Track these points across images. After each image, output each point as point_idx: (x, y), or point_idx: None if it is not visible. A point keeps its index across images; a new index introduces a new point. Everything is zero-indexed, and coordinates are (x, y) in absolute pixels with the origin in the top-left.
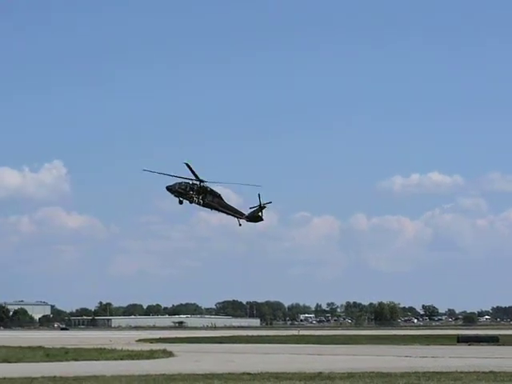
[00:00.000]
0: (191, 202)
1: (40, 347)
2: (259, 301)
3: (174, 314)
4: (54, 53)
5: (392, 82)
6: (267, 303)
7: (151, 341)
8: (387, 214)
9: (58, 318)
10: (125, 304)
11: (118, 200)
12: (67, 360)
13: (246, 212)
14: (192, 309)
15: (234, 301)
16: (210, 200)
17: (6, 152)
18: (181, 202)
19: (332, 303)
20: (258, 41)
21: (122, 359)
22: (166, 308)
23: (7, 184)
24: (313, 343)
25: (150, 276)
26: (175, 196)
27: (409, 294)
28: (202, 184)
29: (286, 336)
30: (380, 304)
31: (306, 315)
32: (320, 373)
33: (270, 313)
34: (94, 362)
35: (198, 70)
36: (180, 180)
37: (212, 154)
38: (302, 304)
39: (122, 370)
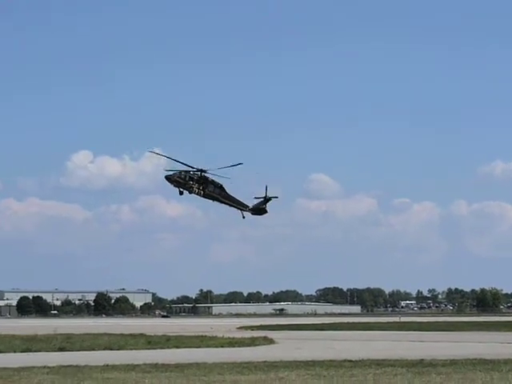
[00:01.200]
0: (190, 193)
1: (142, 335)
2: (360, 287)
3: (275, 302)
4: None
5: None
6: (368, 290)
7: (252, 328)
8: (488, 199)
9: (159, 306)
10: (225, 291)
11: None
12: (169, 347)
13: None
14: (292, 296)
15: (334, 288)
16: (211, 191)
17: (107, 141)
18: (181, 193)
19: (433, 289)
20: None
21: (222, 347)
22: (266, 295)
23: (108, 173)
24: (414, 330)
25: (249, 263)
26: (174, 186)
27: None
28: (202, 174)
29: (387, 323)
30: (482, 290)
31: (407, 302)
32: (422, 360)
33: (370, 299)
34: (196, 349)
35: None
36: (180, 169)
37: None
38: (402, 290)
39: (223, 357)
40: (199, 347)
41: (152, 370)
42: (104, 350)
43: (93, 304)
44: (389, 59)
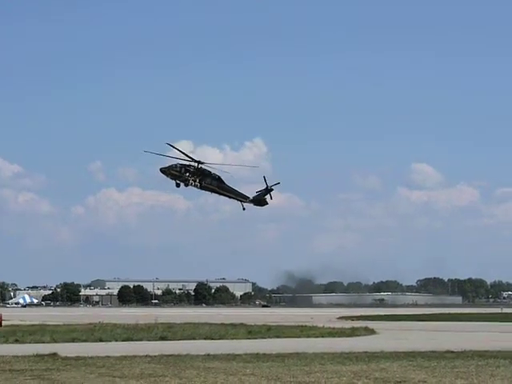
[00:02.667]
0: (187, 185)
1: (242, 324)
2: (461, 278)
3: (375, 292)
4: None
5: None
6: (469, 280)
7: (352, 318)
8: None
9: (259, 296)
10: (325, 281)
11: (318, 177)
12: (269, 337)
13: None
14: (393, 286)
15: (435, 278)
16: (208, 183)
17: (208, 131)
18: (178, 185)
19: None
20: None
21: (323, 336)
22: (366, 285)
23: (209, 163)
24: None
25: (350, 253)
26: (171, 178)
27: None
28: (199, 166)
29: (489, 314)
30: None
31: (510, 292)
32: None
33: (471, 290)
34: (296, 339)
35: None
36: (176, 161)
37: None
38: (505, 281)
39: (323, 347)
40: (299, 337)
41: (253, 360)
42: (205, 339)
43: (193, 293)
44: None
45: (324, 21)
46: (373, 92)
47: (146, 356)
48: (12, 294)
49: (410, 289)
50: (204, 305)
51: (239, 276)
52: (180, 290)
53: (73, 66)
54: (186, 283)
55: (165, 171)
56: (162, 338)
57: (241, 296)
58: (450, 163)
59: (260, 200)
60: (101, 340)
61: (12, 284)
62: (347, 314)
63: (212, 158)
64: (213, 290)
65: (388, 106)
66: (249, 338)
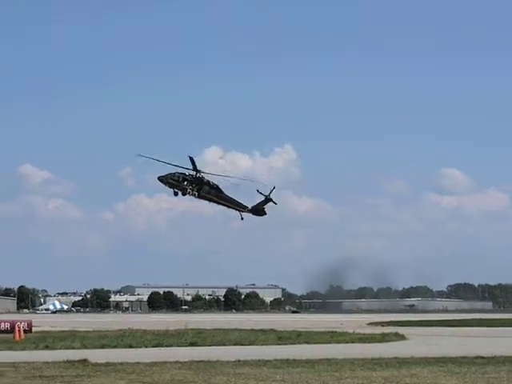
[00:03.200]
0: (184, 194)
1: (272, 330)
2: (491, 283)
3: (405, 297)
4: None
5: None
6: (499, 286)
7: (382, 324)
8: None
9: (288, 301)
10: (355, 287)
11: (347, 183)
12: (299, 343)
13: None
14: (423, 292)
15: (465, 284)
16: (206, 192)
17: (237, 137)
18: (176, 194)
19: None
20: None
21: (353, 342)
22: (396, 291)
23: (238, 169)
24: None
25: (380, 258)
26: (169, 187)
27: None
28: (197, 175)
29: None
30: None
31: None
32: None
33: (502, 295)
34: (326, 345)
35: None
36: (174, 170)
37: None
38: None
39: (353, 353)
40: (329, 343)
41: (283, 366)
42: (235, 345)
43: (223, 299)
44: None
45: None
46: (404, 95)
47: (176, 362)
48: (42, 300)
49: (440, 294)
50: (234, 311)
51: (269, 282)
52: (210, 295)
53: (103, 72)
54: (215, 289)
55: (162, 180)
56: (192, 344)
57: (271, 302)
58: (479, 168)
59: (258, 210)
60: (131, 346)
61: (42, 290)
62: (377, 320)
63: (241, 164)
64: (243, 296)
65: (417, 109)
66: (279, 344)
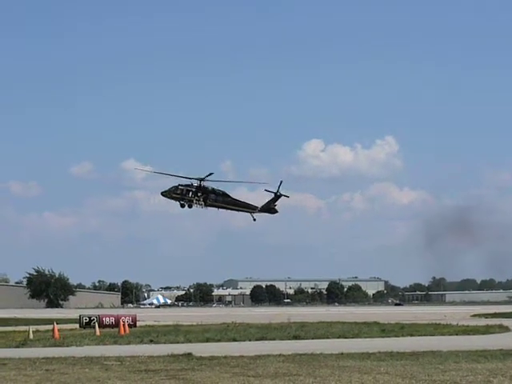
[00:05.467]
0: (191, 206)
1: (375, 323)
2: None
3: (509, 289)
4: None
5: None
6: None
7: (486, 316)
8: None
9: (391, 294)
10: (458, 279)
11: (450, 174)
12: (403, 335)
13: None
14: None
15: None
16: (213, 200)
17: (339, 129)
18: (182, 206)
19: None
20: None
21: (457, 334)
22: (500, 282)
23: (340, 161)
24: None
25: (481, 250)
26: (175, 200)
27: None
28: (201, 184)
29: None
30: None
31: None
32: None
33: None
34: (430, 337)
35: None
36: (177, 183)
37: None
38: None
39: (457, 345)
40: (433, 335)
41: (387, 358)
42: (338, 338)
43: (325, 292)
44: None
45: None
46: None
47: (280, 355)
48: (146, 294)
49: None
50: (336, 303)
51: (372, 274)
52: (312, 289)
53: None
54: (318, 282)
55: (165, 195)
56: (295, 337)
57: (373, 294)
58: None
59: (269, 209)
60: (234, 340)
61: (146, 285)
62: (481, 312)
63: (343, 156)
64: (345, 289)
65: None
66: (382, 337)
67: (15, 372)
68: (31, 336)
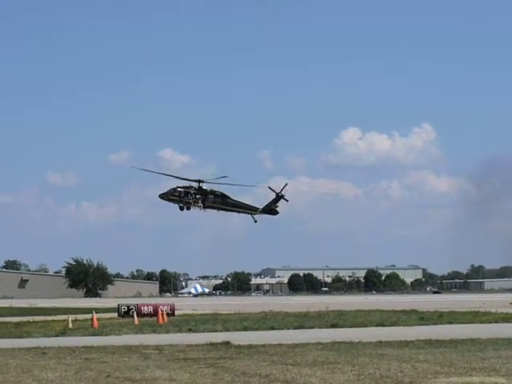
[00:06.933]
0: (189, 208)
1: (413, 311)
2: None
3: None
4: None
5: None
6: None
7: None
8: None
9: (430, 282)
10: (497, 266)
11: (486, 161)
12: (441, 323)
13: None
14: None
15: None
16: (212, 201)
17: (376, 117)
18: (181, 209)
19: None
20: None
21: (496, 322)
22: None
23: (377, 149)
24: None
25: None
26: (173, 203)
27: None
28: (200, 185)
29: None
30: None
31: None
32: None
33: None
34: (469, 325)
35: None
36: (175, 184)
37: None
38: None
39: (496, 332)
40: (472, 323)
41: (425, 346)
42: (376, 326)
43: (363, 281)
44: None
45: None
46: None
47: (318, 343)
48: (184, 283)
49: None
50: (374, 292)
51: (409, 262)
52: (350, 277)
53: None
54: (355, 270)
55: (163, 197)
56: (333, 326)
57: (411, 282)
58: None
59: (270, 210)
60: (272, 328)
61: (184, 274)
62: None
63: (380, 144)
64: (383, 277)
65: None
66: (420, 325)
67: (55, 361)
68: (70, 325)
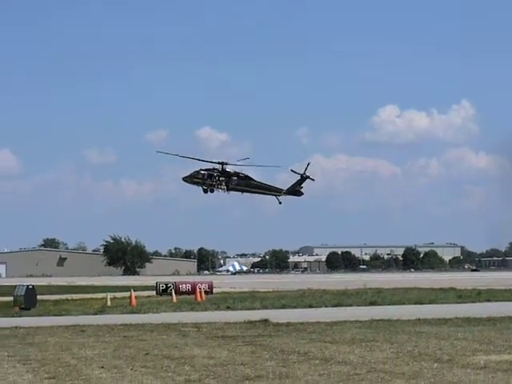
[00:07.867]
0: (212, 191)
1: (452, 289)
2: None
3: None
4: None
5: None
6: None
7: None
8: None
9: (468, 260)
10: None
11: None
12: (480, 301)
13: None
14: None
15: None
16: (236, 184)
17: (414, 94)
18: (205, 191)
19: None
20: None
21: None
22: None
23: (416, 127)
24: None
25: None
26: (197, 185)
27: None
28: (223, 168)
29: None
30: None
31: None
32: None
33: None
34: (507, 302)
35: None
36: (198, 167)
37: None
38: None
39: None
40: (510, 300)
41: (464, 324)
42: (414, 304)
43: (401, 258)
44: None
45: None
46: None
47: (356, 321)
48: (222, 261)
49: None
50: (412, 270)
51: (448, 240)
52: (388, 255)
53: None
54: (394, 248)
55: (187, 180)
56: (372, 303)
57: (449, 260)
58: None
59: (295, 191)
60: (310, 306)
61: (222, 252)
62: None
63: (418, 122)
64: (421, 255)
65: None
66: (459, 303)
67: (93, 339)
68: (109, 303)
